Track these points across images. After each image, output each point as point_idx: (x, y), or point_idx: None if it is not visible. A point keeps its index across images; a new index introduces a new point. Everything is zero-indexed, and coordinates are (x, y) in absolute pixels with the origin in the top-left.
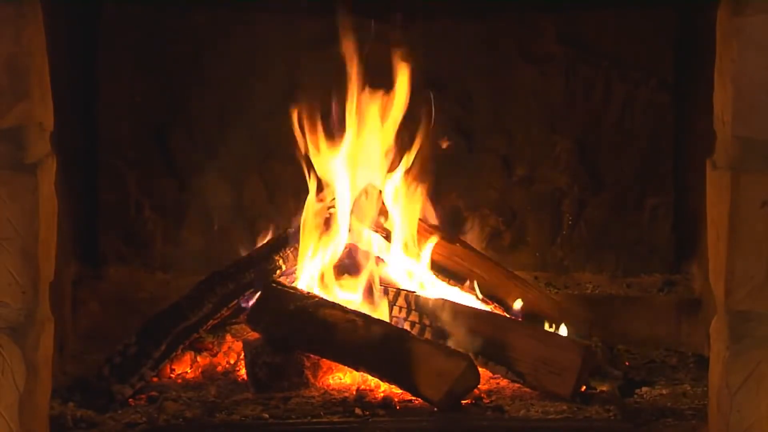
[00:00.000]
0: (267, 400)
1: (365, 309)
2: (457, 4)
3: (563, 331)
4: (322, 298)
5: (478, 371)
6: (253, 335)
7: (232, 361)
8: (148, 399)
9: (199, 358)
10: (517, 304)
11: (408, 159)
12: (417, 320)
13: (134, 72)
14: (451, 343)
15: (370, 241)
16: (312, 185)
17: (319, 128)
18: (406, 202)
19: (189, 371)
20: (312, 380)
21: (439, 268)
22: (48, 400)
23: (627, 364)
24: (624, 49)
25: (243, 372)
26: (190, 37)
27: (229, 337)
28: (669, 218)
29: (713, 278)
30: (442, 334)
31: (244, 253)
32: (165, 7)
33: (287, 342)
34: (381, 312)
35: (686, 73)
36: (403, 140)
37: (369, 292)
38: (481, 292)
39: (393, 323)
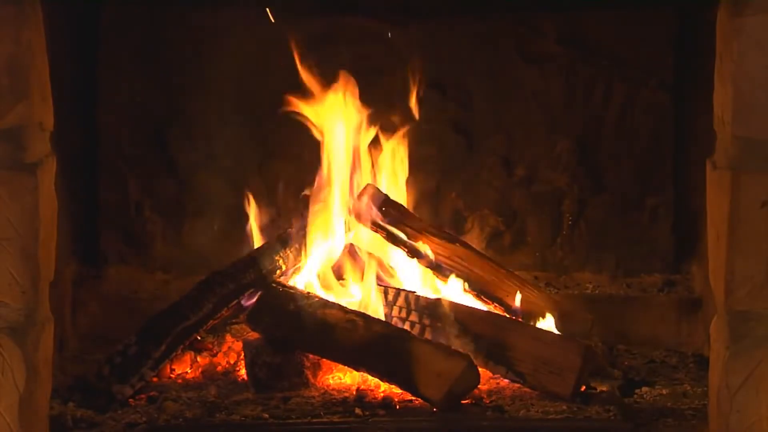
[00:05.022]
0: (267, 400)
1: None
2: (457, 4)
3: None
4: (322, 298)
5: (478, 371)
6: (253, 335)
7: (232, 361)
8: (148, 399)
9: (199, 358)
10: (517, 301)
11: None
12: (417, 320)
13: (134, 72)
14: (451, 343)
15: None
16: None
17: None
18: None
19: (189, 371)
20: (312, 380)
21: (439, 269)
22: (48, 400)
23: (626, 364)
24: (624, 49)
25: (243, 372)
26: (190, 37)
27: (229, 337)
28: (669, 218)
29: (713, 278)
30: (442, 334)
31: (244, 253)
32: (165, 7)
33: (287, 342)
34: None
35: (686, 73)
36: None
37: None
38: (482, 292)
39: (393, 323)
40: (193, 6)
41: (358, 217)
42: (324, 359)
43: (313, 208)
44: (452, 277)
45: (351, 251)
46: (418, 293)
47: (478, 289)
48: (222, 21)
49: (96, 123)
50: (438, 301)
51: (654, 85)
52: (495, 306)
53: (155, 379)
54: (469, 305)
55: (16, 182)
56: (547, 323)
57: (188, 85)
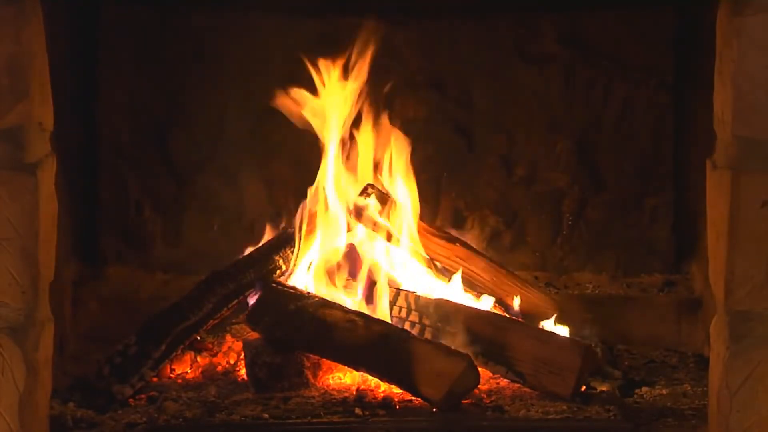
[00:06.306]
0: (267, 400)
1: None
2: (457, 4)
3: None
4: (322, 298)
5: (478, 371)
6: (253, 335)
7: (232, 361)
8: (148, 399)
9: (199, 358)
10: (516, 303)
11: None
12: (417, 320)
13: (134, 72)
14: (451, 343)
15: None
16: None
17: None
18: (407, 201)
19: (189, 371)
20: (312, 380)
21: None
22: (48, 400)
23: (626, 364)
24: (624, 49)
25: (243, 372)
26: (190, 37)
27: (229, 337)
28: (669, 218)
29: (713, 278)
30: (442, 334)
31: (244, 253)
32: (165, 7)
33: (287, 342)
34: (381, 312)
35: (686, 73)
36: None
37: (370, 289)
38: (481, 293)
39: (393, 323)
40: (193, 6)
41: (358, 216)
42: (324, 359)
43: (314, 208)
44: (452, 276)
45: (352, 251)
46: (418, 293)
47: (478, 289)
48: (222, 21)
49: (96, 123)
50: (438, 301)
51: (654, 85)
52: (495, 306)
53: (155, 379)
54: (469, 305)
55: (16, 182)
56: (548, 323)
57: (188, 85)
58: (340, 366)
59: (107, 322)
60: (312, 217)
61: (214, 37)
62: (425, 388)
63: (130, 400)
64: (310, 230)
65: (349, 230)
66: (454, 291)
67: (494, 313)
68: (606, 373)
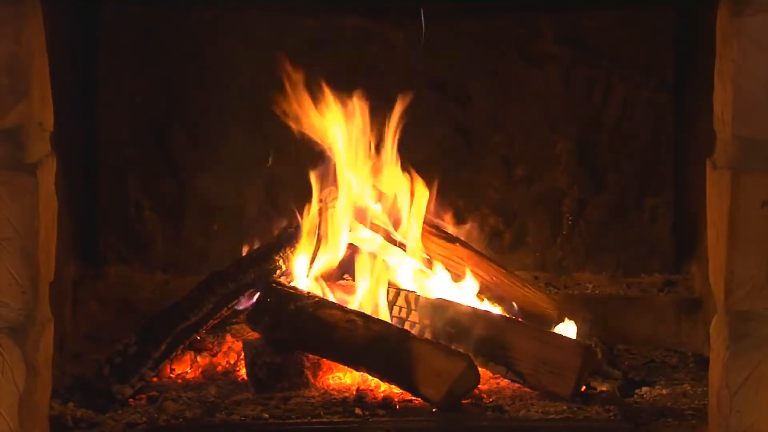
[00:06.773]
0: (267, 400)
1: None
2: (457, 4)
3: (569, 330)
4: (322, 298)
5: (478, 371)
6: (253, 335)
7: (232, 361)
8: (148, 399)
9: (199, 358)
10: (515, 306)
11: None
12: (417, 320)
13: (134, 72)
14: (451, 343)
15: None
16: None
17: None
18: (410, 201)
19: (189, 371)
20: (312, 380)
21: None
22: (48, 400)
23: (626, 364)
24: (624, 49)
25: (243, 372)
26: (190, 37)
27: (229, 337)
28: (669, 218)
29: (713, 278)
30: (442, 334)
31: (244, 253)
32: (165, 6)
33: (287, 342)
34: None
35: (686, 73)
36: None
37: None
38: (481, 292)
39: (393, 323)
40: (193, 5)
41: (358, 217)
42: (324, 359)
43: (313, 208)
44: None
45: (352, 251)
46: (418, 293)
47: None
48: (222, 21)
49: (96, 123)
50: (438, 301)
51: (654, 85)
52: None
53: (155, 379)
54: (469, 305)
55: (16, 182)
56: (549, 324)
57: (188, 85)
58: (340, 366)
59: (107, 322)
60: (314, 216)
61: (214, 36)
62: (425, 388)
63: (130, 400)
64: (311, 230)
65: (350, 230)
66: (453, 291)
67: (494, 312)
68: (606, 373)
